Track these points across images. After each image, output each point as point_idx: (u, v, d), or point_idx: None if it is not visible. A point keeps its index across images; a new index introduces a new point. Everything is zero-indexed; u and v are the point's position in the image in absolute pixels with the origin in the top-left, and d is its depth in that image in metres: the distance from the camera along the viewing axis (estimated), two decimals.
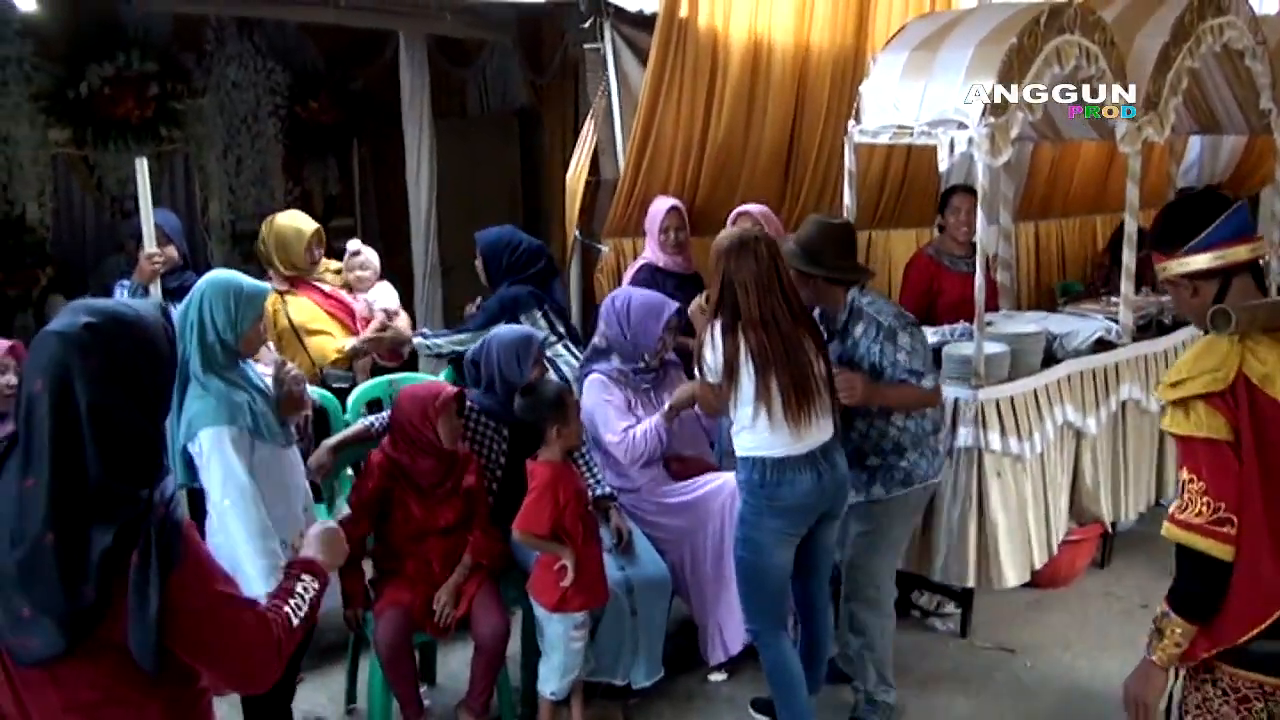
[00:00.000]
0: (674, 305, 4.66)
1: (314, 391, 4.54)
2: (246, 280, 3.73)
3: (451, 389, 4.13)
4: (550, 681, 4.13)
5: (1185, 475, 2.62)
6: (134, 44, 7.51)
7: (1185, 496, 2.61)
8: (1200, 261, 2.69)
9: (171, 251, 4.99)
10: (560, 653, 4.08)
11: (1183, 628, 2.60)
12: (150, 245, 4.66)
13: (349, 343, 5.29)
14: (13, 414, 1.97)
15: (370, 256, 5.55)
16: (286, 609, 2.23)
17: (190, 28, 8.16)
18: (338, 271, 5.54)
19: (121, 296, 4.75)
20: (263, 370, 3.88)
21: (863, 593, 4.24)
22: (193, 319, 3.57)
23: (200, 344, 3.55)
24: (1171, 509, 2.65)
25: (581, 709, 4.25)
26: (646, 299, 4.67)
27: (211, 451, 3.45)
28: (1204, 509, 2.57)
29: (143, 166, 4.49)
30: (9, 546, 1.94)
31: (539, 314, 5.11)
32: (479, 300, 5.33)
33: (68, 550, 1.91)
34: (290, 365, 3.94)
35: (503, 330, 4.54)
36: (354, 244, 5.61)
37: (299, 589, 2.31)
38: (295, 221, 5.34)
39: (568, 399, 4.12)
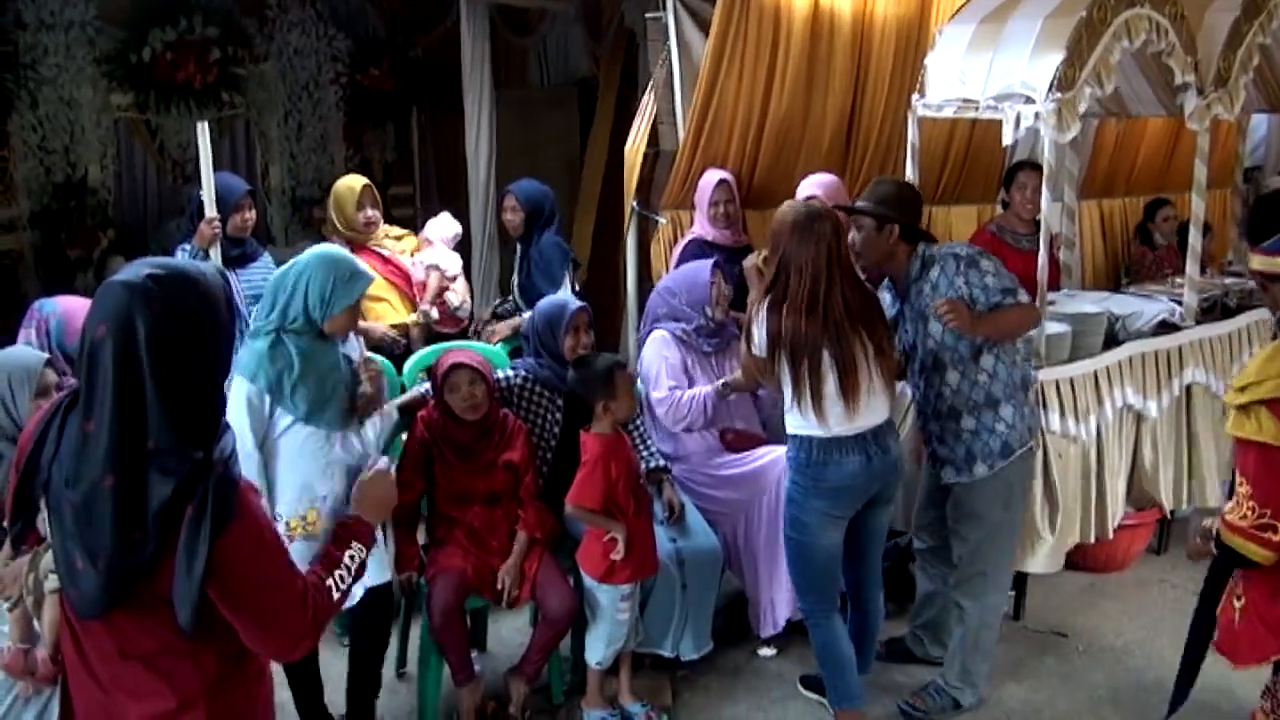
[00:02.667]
0: (710, 260, 4.74)
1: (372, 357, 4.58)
2: (356, 264, 3.72)
3: (452, 360, 4.11)
4: (596, 650, 4.13)
5: (1237, 477, 2.67)
6: (196, 9, 7.56)
7: (1235, 498, 2.66)
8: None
9: (253, 215, 5.15)
10: (607, 623, 4.08)
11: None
12: (210, 210, 4.72)
13: (415, 316, 5.47)
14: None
15: (438, 229, 5.78)
16: (330, 581, 2.25)
17: None
18: (399, 238, 5.61)
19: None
20: None
21: (967, 579, 4.17)
22: (289, 283, 3.58)
23: (283, 307, 3.56)
24: (1225, 508, 2.70)
25: (629, 679, 4.25)
26: (683, 270, 4.81)
27: (232, 400, 3.44)
28: (1248, 513, 2.61)
29: (204, 131, 4.52)
30: (67, 489, 1.96)
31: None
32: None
33: (125, 495, 1.92)
34: (375, 362, 3.92)
35: (542, 302, 4.58)
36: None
37: (346, 559, 2.34)
38: (347, 180, 5.55)
39: (617, 374, 4.09)
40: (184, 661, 2.07)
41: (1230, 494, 2.72)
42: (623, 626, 4.10)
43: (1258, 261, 2.77)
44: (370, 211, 5.42)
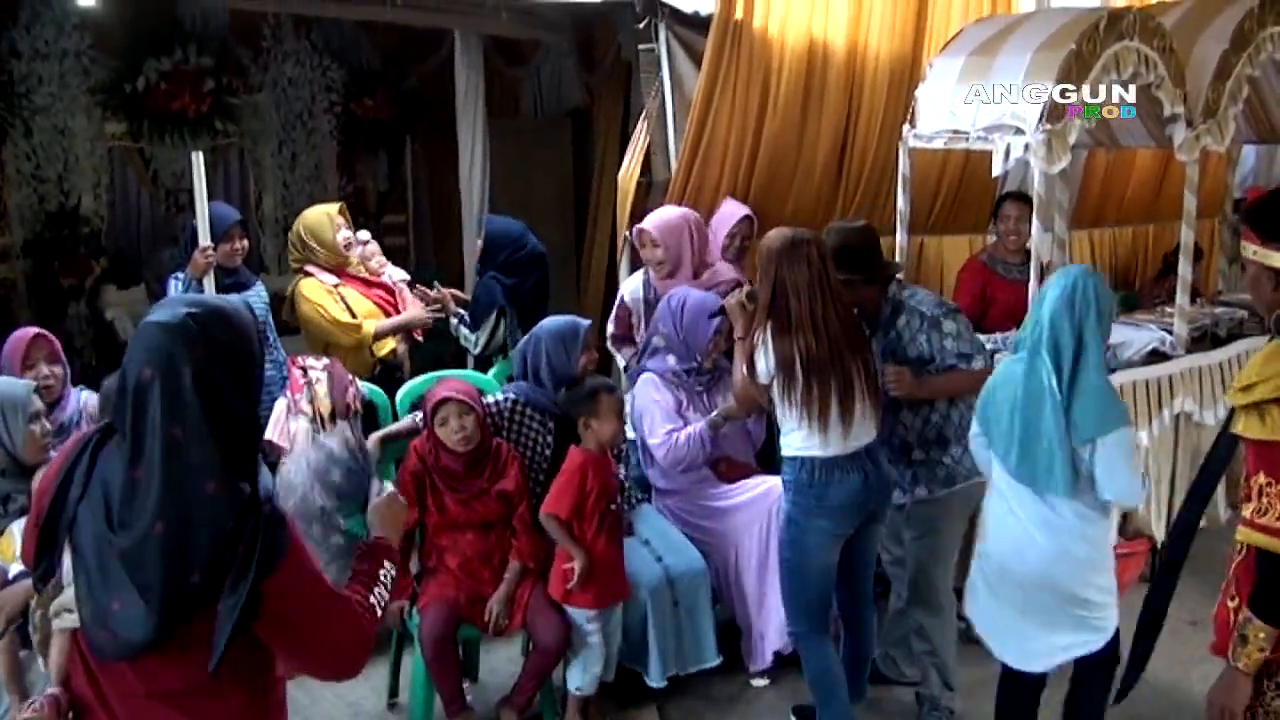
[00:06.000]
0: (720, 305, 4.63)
1: (363, 386, 4.59)
2: None
3: (442, 394, 4.11)
4: (574, 676, 4.15)
5: (1263, 479, 2.59)
6: (190, 39, 7.61)
7: (1263, 500, 2.58)
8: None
9: (245, 244, 5.16)
10: (580, 646, 4.11)
11: (1266, 631, 2.56)
12: (204, 240, 4.73)
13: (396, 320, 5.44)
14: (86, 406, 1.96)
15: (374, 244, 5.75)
16: (373, 599, 2.25)
17: (247, 24, 8.26)
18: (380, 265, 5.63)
19: (175, 290, 4.82)
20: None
21: (923, 598, 4.23)
22: None
23: None
24: (1248, 513, 2.62)
25: (597, 707, 4.27)
26: (700, 299, 4.65)
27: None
28: None
29: (199, 161, 4.53)
30: (109, 532, 1.93)
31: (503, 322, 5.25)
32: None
33: (177, 540, 1.90)
34: None
35: (550, 320, 4.53)
36: (363, 234, 5.68)
37: (382, 575, 2.33)
38: (318, 208, 5.46)
39: (603, 395, 4.15)
40: (211, 701, 2.05)
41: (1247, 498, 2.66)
42: (595, 650, 4.10)
43: (1260, 253, 2.68)
44: (346, 232, 5.35)
